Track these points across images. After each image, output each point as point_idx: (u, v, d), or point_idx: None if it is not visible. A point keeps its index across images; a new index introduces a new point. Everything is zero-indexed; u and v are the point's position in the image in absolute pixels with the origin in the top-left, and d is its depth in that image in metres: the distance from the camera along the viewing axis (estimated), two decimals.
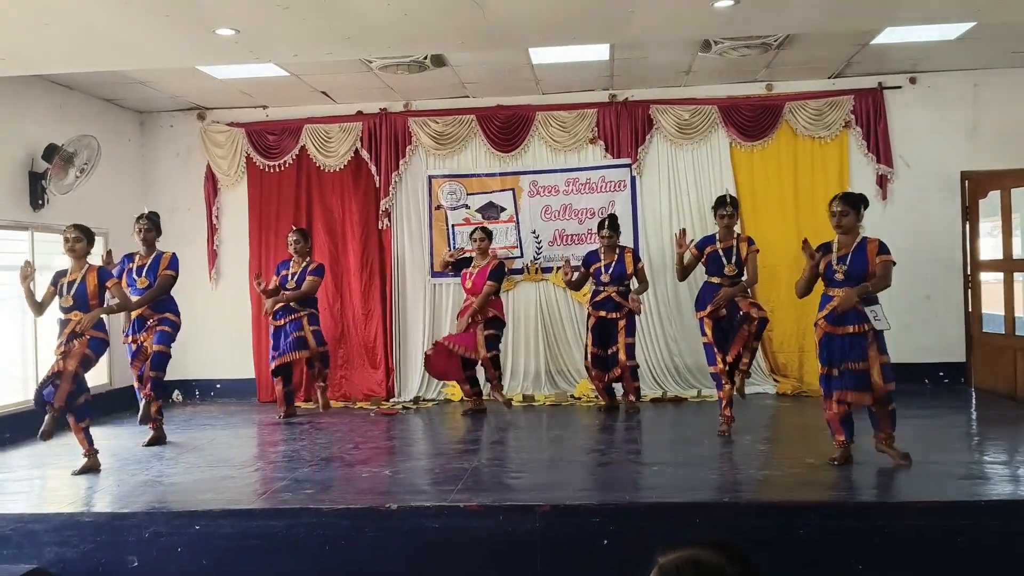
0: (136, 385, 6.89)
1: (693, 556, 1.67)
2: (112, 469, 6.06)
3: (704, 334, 6.61)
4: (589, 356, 7.78)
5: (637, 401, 7.81)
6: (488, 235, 8.03)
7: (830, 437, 5.52)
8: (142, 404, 6.78)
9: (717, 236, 6.76)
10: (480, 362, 7.78)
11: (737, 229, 7.09)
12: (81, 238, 6.14)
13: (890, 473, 5.24)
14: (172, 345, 6.88)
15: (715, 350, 6.50)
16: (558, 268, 8.97)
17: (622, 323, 7.59)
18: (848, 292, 5.28)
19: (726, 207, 6.71)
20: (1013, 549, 4.44)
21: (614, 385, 7.89)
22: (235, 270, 9.37)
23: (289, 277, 7.96)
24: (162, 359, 6.79)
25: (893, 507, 4.65)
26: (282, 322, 7.90)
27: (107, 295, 6.24)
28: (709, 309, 6.54)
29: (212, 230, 9.37)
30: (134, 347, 6.86)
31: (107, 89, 8.44)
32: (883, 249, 5.38)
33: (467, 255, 8.18)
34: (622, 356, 7.57)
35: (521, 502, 4.88)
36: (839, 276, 5.38)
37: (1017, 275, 8.38)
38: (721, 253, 6.66)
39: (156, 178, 9.48)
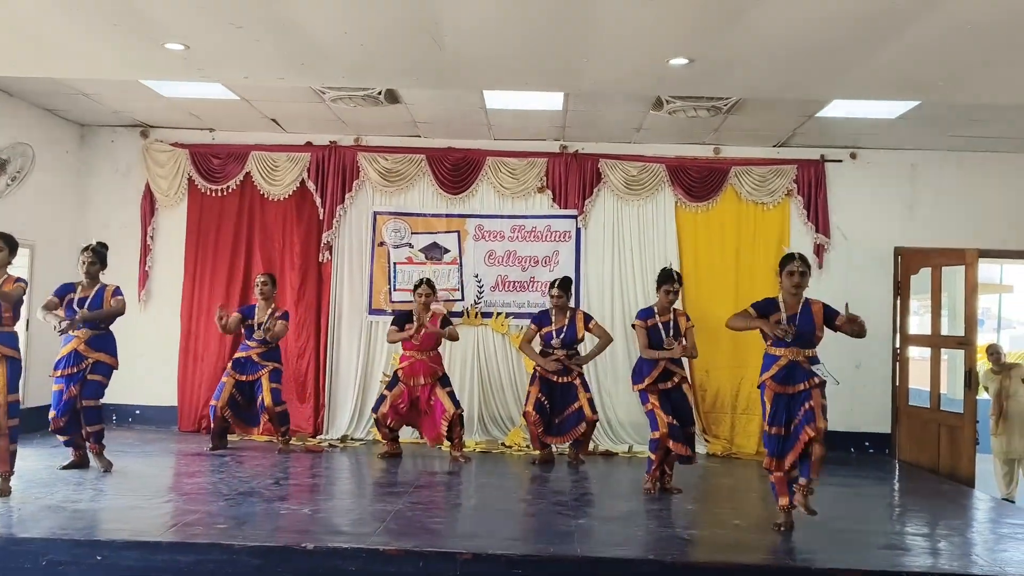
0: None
1: None
2: (15, 491, 5.72)
3: (647, 402, 6.52)
4: (533, 402, 7.55)
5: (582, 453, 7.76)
6: (434, 290, 7.80)
7: (773, 500, 5.49)
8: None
9: (656, 309, 6.67)
10: (450, 418, 7.60)
11: (677, 304, 7.01)
12: (3, 247, 5.82)
13: (812, 538, 5.23)
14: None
15: (657, 415, 6.43)
16: (497, 314, 8.93)
17: (578, 381, 7.59)
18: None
19: (672, 283, 6.62)
20: None
21: (550, 440, 7.76)
22: (166, 293, 9.10)
23: (255, 326, 7.79)
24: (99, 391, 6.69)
25: (817, 574, 4.62)
26: (246, 378, 7.78)
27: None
28: (647, 382, 6.49)
29: (145, 250, 9.11)
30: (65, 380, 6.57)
31: (48, 99, 8.21)
32: (831, 308, 5.42)
33: (406, 310, 7.96)
34: (588, 411, 7.51)
35: (443, 548, 4.74)
36: (789, 337, 5.32)
37: (943, 352, 8.59)
38: (660, 327, 6.61)
39: (92, 193, 9.21)
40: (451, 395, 7.68)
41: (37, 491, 5.78)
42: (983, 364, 8.99)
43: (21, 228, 7.35)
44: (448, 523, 5.49)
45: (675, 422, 6.43)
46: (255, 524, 5.21)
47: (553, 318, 7.62)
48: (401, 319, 7.73)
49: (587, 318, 7.70)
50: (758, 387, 5.50)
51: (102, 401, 6.70)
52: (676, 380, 6.56)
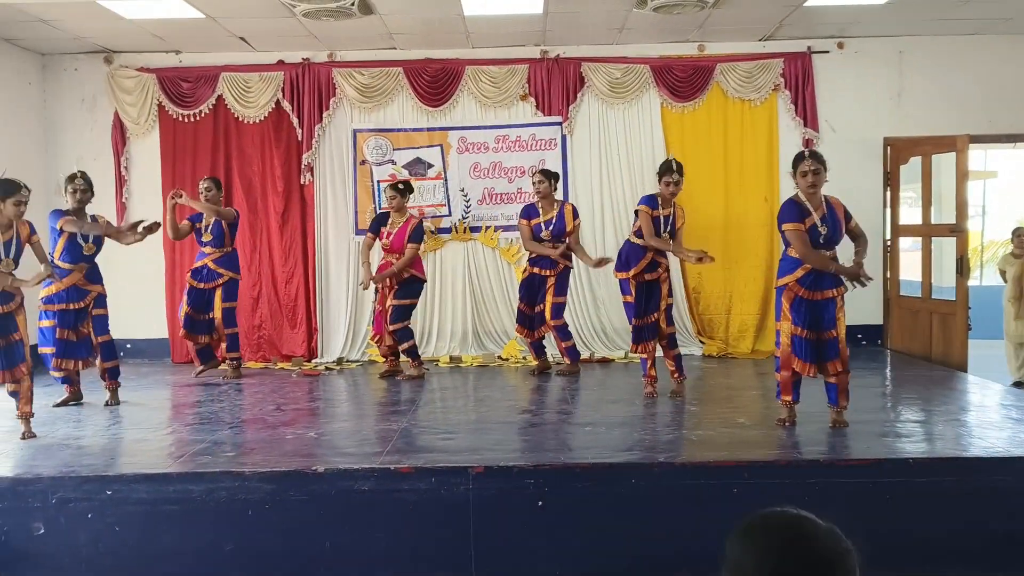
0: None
1: (790, 516, 1.55)
2: (16, 431, 5.66)
3: (628, 293, 6.45)
4: (516, 312, 7.67)
5: (573, 364, 7.63)
6: (401, 193, 7.52)
7: (773, 397, 5.52)
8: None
9: (659, 200, 6.38)
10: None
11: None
12: None
13: (815, 432, 5.29)
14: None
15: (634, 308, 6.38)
16: (486, 228, 8.82)
17: (551, 281, 7.41)
18: (827, 260, 5.15)
19: (672, 173, 6.28)
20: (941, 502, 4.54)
21: (545, 343, 7.77)
22: None
23: (203, 229, 7.57)
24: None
25: (825, 465, 4.67)
26: (201, 286, 7.56)
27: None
28: (634, 271, 6.36)
29: (121, 182, 8.86)
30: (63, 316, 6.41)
31: (5, 28, 7.83)
32: (847, 211, 5.33)
33: (384, 211, 7.85)
34: (548, 315, 7.43)
35: (453, 463, 4.75)
36: (822, 239, 5.17)
37: (934, 240, 8.60)
38: (661, 219, 6.37)
39: (59, 125, 8.90)
40: (398, 309, 7.43)
41: (37, 430, 5.69)
42: (1004, 248, 8.85)
43: None
44: (455, 439, 5.50)
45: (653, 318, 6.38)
46: (262, 450, 5.19)
47: (540, 209, 7.46)
48: (376, 223, 7.67)
49: (575, 212, 7.55)
50: (776, 288, 5.37)
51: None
52: (660, 271, 6.42)
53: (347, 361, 8.63)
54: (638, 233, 6.39)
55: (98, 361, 6.60)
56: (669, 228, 6.39)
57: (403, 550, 4.54)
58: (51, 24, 7.74)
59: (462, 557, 4.50)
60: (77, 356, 6.51)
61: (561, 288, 7.49)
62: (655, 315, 6.41)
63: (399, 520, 4.55)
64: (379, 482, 4.57)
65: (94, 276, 6.54)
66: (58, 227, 6.25)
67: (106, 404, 6.54)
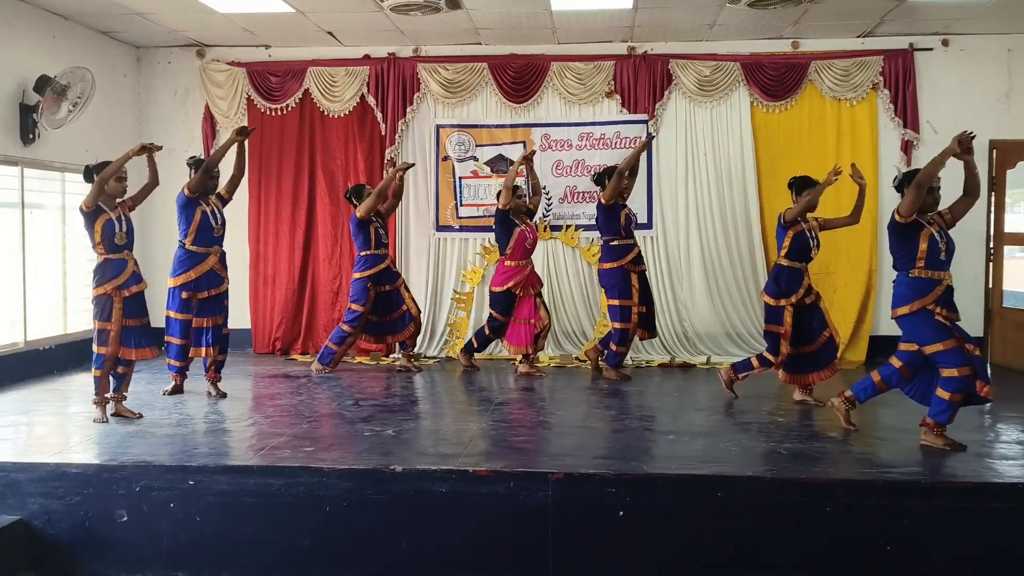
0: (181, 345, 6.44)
1: None
2: (149, 408, 5.86)
3: (779, 323, 6.15)
4: (634, 316, 7.25)
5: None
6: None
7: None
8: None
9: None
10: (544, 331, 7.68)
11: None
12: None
13: (908, 450, 5.04)
14: None
15: (783, 340, 6.14)
16: (567, 227, 8.69)
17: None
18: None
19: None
20: None
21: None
22: (233, 216, 8.79)
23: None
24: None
25: (927, 487, 4.41)
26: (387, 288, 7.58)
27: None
28: (795, 299, 6.09)
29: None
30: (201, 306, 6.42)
31: (103, 20, 8.03)
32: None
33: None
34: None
35: (533, 468, 4.65)
36: (943, 256, 5.03)
37: None
38: (807, 233, 6.10)
39: (152, 116, 9.10)
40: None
41: (123, 418, 5.80)
42: None
43: (84, 156, 7.32)
44: (534, 442, 5.40)
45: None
46: (340, 446, 5.19)
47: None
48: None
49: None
50: (907, 315, 5.05)
51: None
52: (814, 296, 6.20)
53: (425, 357, 8.60)
54: (789, 255, 6.13)
55: (212, 352, 6.52)
56: (816, 243, 6.17)
57: (479, 554, 4.47)
58: (146, 17, 7.90)
59: (540, 564, 4.40)
60: (200, 345, 6.49)
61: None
62: (827, 332, 6.18)
63: (476, 523, 4.48)
64: (456, 484, 4.50)
65: (225, 261, 6.53)
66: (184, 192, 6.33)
67: (209, 395, 6.56)
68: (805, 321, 6.18)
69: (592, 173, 8.54)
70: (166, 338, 6.42)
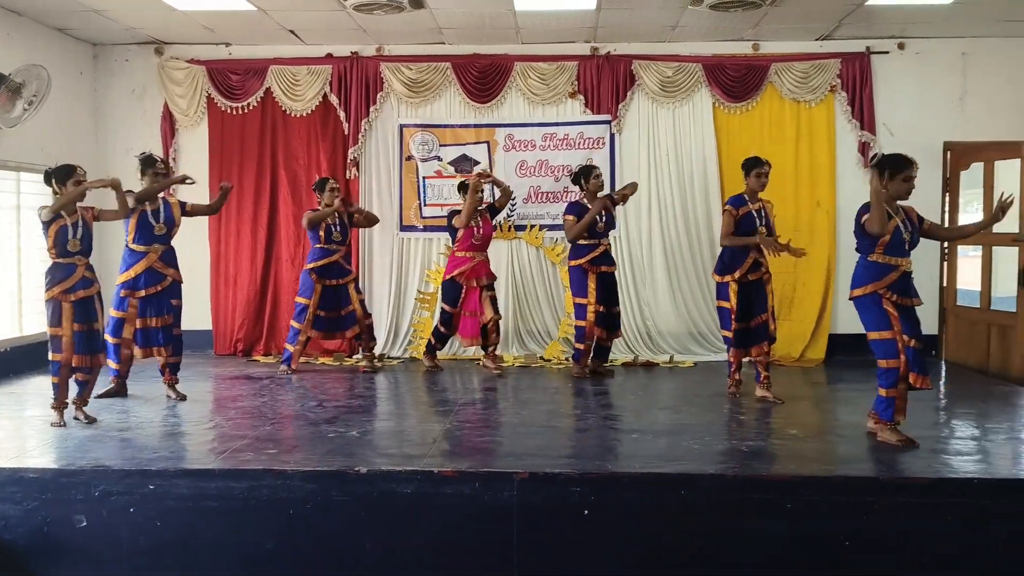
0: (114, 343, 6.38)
1: None
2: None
3: (726, 298, 6.38)
4: (592, 315, 7.26)
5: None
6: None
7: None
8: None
9: (747, 196, 6.41)
10: (489, 324, 7.65)
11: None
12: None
13: (867, 447, 5.13)
14: None
15: (732, 315, 6.34)
16: (531, 226, 8.71)
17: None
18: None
19: (763, 166, 6.41)
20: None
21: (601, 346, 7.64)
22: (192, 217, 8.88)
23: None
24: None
25: (884, 483, 4.49)
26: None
27: None
28: (738, 273, 6.30)
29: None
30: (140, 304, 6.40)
31: (59, 17, 7.88)
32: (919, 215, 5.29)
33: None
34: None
35: (497, 468, 4.65)
36: (907, 246, 5.10)
37: (995, 249, 8.30)
38: (753, 214, 6.34)
39: (109, 115, 8.95)
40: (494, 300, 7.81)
41: (79, 421, 5.71)
42: None
43: (40, 155, 7.18)
44: (499, 442, 5.41)
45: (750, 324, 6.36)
46: (304, 448, 5.15)
47: (589, 206, 7.30)
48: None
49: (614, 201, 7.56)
50: (860, 296, 5.12)
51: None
52: (762, 272, 6.37)
53: (389, 358, 8.57)
54: (741, 232, 6.35)
55: (164, 354, 6.48)
56: (764, 221, 6.33)
57: (444, 555, 4.47)
58: (103, 14, 7.77)
59: (505, 564, 4.41)
60: (150, 345, 6.47)
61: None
62: (764, 316, 6.37)
63: (441, 524, 4.47)
64: (421, 485, 4.49)
65: (170, 258, 6.48)
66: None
67: (168, 398, 6.49)
68: (751, 297, 6.37)
69: (556, 174, 8.65)
70: (105, 336, 6.30)
